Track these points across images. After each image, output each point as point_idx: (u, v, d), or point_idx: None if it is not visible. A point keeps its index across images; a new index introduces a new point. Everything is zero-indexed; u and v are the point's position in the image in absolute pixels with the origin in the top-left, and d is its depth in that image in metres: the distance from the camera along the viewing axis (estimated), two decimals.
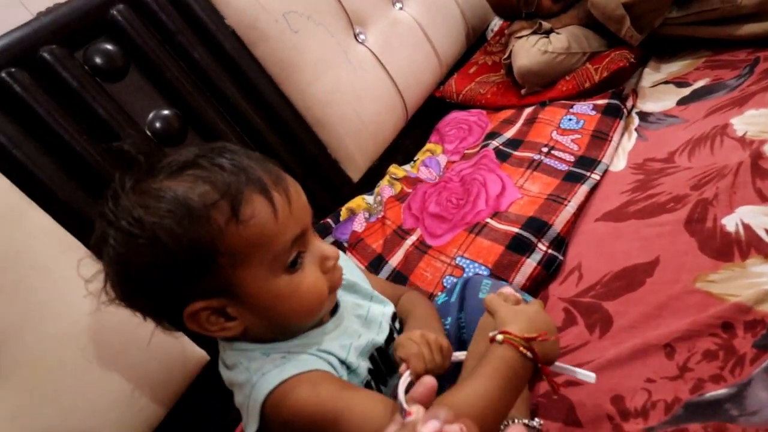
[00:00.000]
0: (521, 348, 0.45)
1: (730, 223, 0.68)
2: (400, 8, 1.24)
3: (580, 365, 0.56)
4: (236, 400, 0.50)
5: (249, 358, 0.48)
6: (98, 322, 0.71)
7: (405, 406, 0.39)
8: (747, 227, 0.66)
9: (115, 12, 0.82)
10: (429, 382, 0.40)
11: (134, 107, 0.84)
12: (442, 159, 1.11)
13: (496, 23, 1.51)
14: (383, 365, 0.55)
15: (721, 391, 0.53)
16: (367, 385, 0.52)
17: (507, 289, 0.53)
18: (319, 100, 1.03)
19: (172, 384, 0.78)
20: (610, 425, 0.56)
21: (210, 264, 0.43)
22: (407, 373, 0.47)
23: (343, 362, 0.50)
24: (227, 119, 0.94)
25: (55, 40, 0.76)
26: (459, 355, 0.53)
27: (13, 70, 0.72)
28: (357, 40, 1.12)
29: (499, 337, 0.46)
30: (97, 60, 0.81)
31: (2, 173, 0.68)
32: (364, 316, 0.57)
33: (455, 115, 1.24)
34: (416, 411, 0.36)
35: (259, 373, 0.46)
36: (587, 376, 0.51)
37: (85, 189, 0.76)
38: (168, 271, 0.43)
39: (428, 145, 1.19)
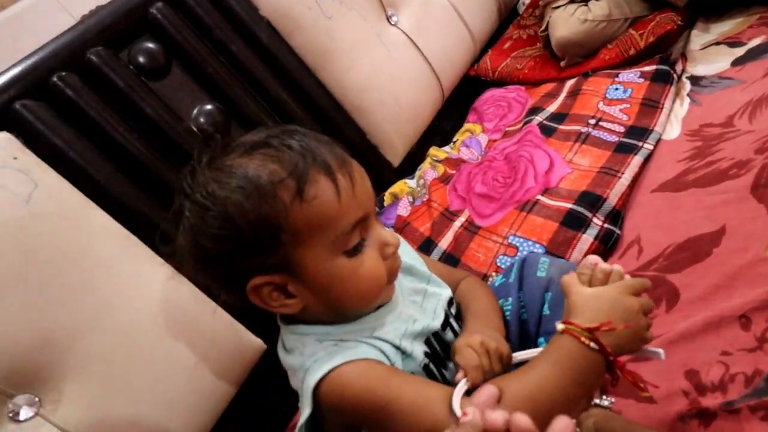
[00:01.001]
0: (583, 339, 0.43)
1: None
2: None
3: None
4: (292, 383, 0.51)
5: (304, 344, 0.49)
6: (162, 316, 0.73)
7: (458, 412, 0.38)
8: None
9: (154, 10, 0.83)
10: (491, 391, 0.39)
11: (179, 104, 0.85)
12: (483, 138, 1.09)
13: None
14: (441, 349, 0.54)
15: None
16: (426, 368, 0.51)
17: (592, 258, 0.49)
18: (356, 86, 1.03)
19: (233, 372, 0.80)
20: (686, 400, 0.55)
21: (274, 240, 0.44)
22: (464, 381, 0.45)
23: (397, 348, 0.50)
24: (268, 110, 0.94)
25: (101, 42, 0.77)
26: (521, 355, 0.51)
27: (63, 74, 0.73)
28: (389, 22, 1.10)
29: (560, 326, 0.44)
30: (141, 59, 0.82)
31: (61, 175, 0.70)
32: (420, 301, 0.56)
33: (492, 93, 1.22)
34: (472, 412, 0.35)
35: (312, 359, 0.46)
36: (655, 353, 0.48)
37: (138, 186, 0.78)
38: (235, 244, 0.44)
39: (467, 125, 1.17)
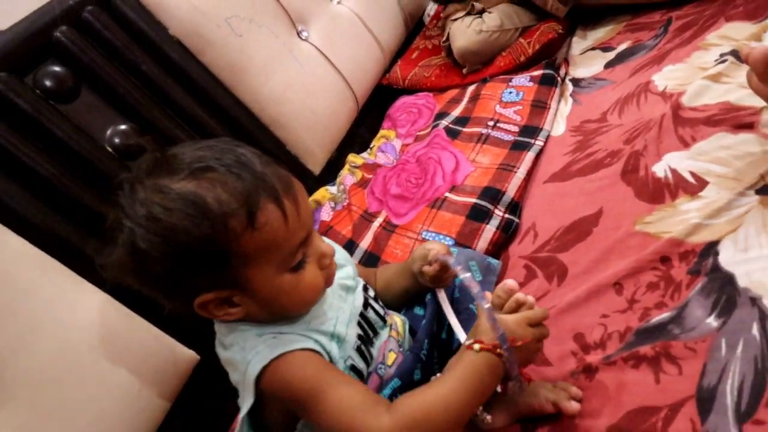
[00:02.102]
0: (495, 352, 0.49)
1: (659, 169, 0.76)
2: (338, 2, 1.27)
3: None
4: (232, 378, 0.54)
5: (244, 339, 0.52)
6: (89, 335, 0.73)
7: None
8: (674, 171, 0.74)
9: (58, 34, 0.83)
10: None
11: (91, 126, 0.85)
12: (397, 143, 1.16)
13: (432, 8, 1.56)
14: (368, 329, 0.60)
15: (664, 315, 0.60)
16: (358, 350, 0.57)
17: (510, 283, 0.56)
18: (272, 99, 1.06)
19: (167, 386, 0.81)
20: (574, 360, 0.63)
21: (223, 263, 0.47)
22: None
23: (332, 335, 0.55)
24: (184, 127, 0.96)
25: (3, 68, 0.76)
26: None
27: None
28: (300, 37, 1.15)
29: (471, 343, 0.50)
30: (47, 83, 0.81)
31: None
32: (344, 283, 0.61)
33: (404, 100, 1.29)
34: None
35: (253, 352, 0.50)
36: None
37: (55, 209, 0.77)
38: (182, 267, 0.47)
39: (382, 132, 1.24)
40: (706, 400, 0.51)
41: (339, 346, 0.55)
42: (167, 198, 0.46)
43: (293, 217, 0.49)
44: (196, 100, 0.98)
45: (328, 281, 0.55)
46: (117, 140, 0.87)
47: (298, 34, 1.15)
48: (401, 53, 1.43)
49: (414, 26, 1.53)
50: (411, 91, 1.32)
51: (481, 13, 1.22)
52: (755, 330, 0.53)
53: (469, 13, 1.22)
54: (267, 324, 0.53)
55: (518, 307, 0.55)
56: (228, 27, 1.00)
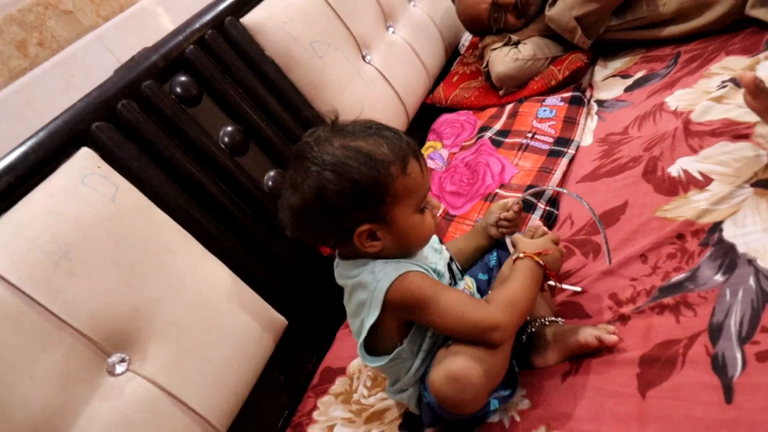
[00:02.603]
0: (534, 258, 0.72)
1: (674, 170, 0.94)
2: (393, 32, 1.48)
3: (581, 280, 0.86)
4: (358, 298, 0.70)
5: (373, 266, 0.69)
6: (215, 293, 0.91)
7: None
8: (686, 171, 0.92)
9: (188, 52, 1.02)
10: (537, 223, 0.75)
11: (209, 126, 1.04)
12: (444, 152, 1.35)
13: (467, 39, 1.78)
14: (452, 278, 0.79)
15: (681, 276, 0.78)
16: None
17: (536, 223, 0.77)
18: (343, 111, 1.24)
19: (266, 341, 0.97)
20: (610, 312, 0.80)
21: (381, 199, 0.65)
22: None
23: (434, 270, 0.73)
24: (274, 129, 1.15)
25: (150, 77, 0.96)
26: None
27: (125, 101, 0.91)
28: (365, 61, 1.35)
29: (520, 254, 0.73)
30: (179, 90, 1.01)
31: (130, 182, 0.87)
32: (435, 246, 0.80)
33: (446, 117, 1.49)
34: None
35: (382, 273, 0.67)
36: (575, 288, 0.81)
37: (184, 191, 0.95)
38: (355, 200, 0.64)
39: (429, 143, 1.43)
40: (715, 331, 0.68)
41: (438, 279, 0.73)
42: (349, 150, 0.65)
43: (425, 171, 0.69)
44: (284, 109, 1.17)
45: (436, 227, 0.74)
46: (226, 139, 1.06)
47: (363, 57, 1.35)
48: (442, 76, 1.63)
49: (452, 54, 1.74)
50: (452, 109, 1.51)
51: (516, 44, 1.42)
52: (751, 281, 0.71)
53: (506, 44, 1.42)
54: (390, 259, 0.71)
55: (541, 235, 0.80)
56: (312, 50, 1.20)
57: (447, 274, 0.76)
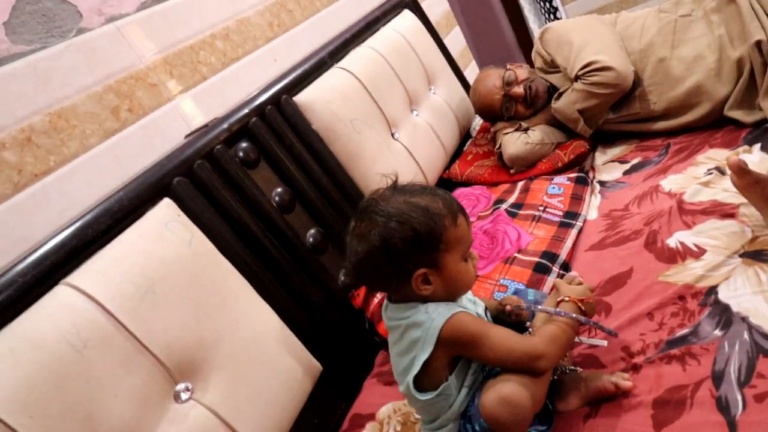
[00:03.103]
0: (577, 302, 0.82)
1: (672, 242, 1.08)
2: (417, 115, 1.68)
3: (596, 334, 0.96)
4: (412, 336, 0.79)
5: (426, 307, 0.78)
6: (265, 335, 1.00)
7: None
8: (682, 243, 1.06)
9: (251, 123, 1.18)
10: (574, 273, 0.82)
11: (264, 186, 1.17)
12: None
13: (478, 122, 1.98)
14: None
15: (685, 331, 0.89)
16: None
17: (573, 273, 0.90)
18: (374, 181, 1.40)
19: (304, 383, 1.05)
20: (623, 363, 0.91)
21: (436, 247, 0.77)
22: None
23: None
24: (317, 193, 1.29)
25: (220, 142, 1.11)
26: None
27: (200, 161, 1.05)
28: (394, 138, 1.53)
29: (566, 298, 0.83)
30: (242, 154, 1.15)
31: (201, 230, 0.99)
32: (470, 298, 0.91)
33: (462, 191, 1.65)
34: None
35: (436, 313, 0.77)
36: (602, 342, 0.90)
37: (245, 244, 1.07)
38: (415, 247, 0.76)
39: None
40: (718, 377, 0.79)
41: None
42: (409, 204, 0.77)
43: (469, 226, 0.82)
44: (326, 175, 1.31)
45: (476, 277, 0.85)
46: (277, 198, 1.20)
47: (393, 135, 1.52)
48: (456, 155, 1.81)
49: (464, 135, 1.93)
50: (467, 183, 1.68)
51: (525, 130, 1.61)
52: (746, 335, 0.82)
53: (517, 130, 1.61)
54: (438, 303, 0.82)
55: (579, 284, 0.90)
56: (351, 126, 1.37)
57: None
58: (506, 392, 0.73)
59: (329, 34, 1.65)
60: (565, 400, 0.88)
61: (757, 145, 1.22)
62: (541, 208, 1.36)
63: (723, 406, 0.75)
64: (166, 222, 0.92)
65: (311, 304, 1.16)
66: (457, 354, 0.80)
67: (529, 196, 1.43)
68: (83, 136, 0.99)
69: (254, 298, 1.01)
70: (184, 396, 0.86)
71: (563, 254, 1.18)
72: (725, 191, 1.13)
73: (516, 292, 1.03)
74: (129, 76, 1.09)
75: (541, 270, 1.14)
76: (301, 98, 1.32)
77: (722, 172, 1.17)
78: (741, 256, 0.96)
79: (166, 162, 1.01)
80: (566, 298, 0.85)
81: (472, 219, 1.48)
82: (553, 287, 0.91)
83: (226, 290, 0.96)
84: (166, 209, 0.94)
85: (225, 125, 1.13)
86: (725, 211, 1.08)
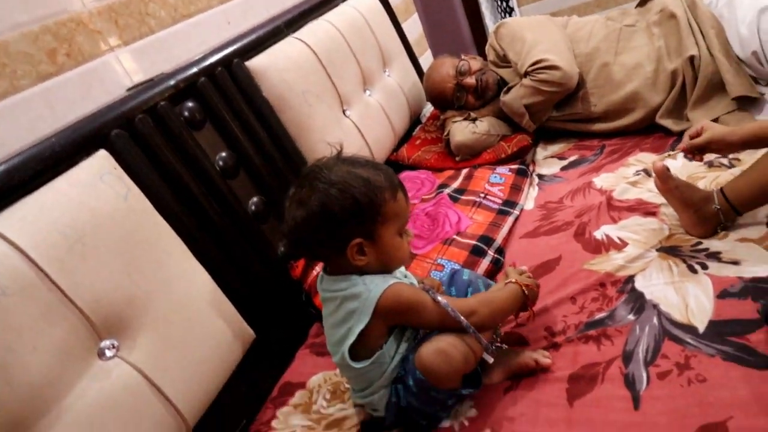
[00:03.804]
0: (522, 286, 0.88)
1: (598, 234, 1.15)
2: (369, 94, 1.68)
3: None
4: (348, 307, 0.80)
5: (362, 279, 0.80)
6: (198, 294, 0.98)
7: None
8: (607, 236, 1.14)
9: (199, 82, 1.15)
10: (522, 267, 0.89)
11: (209, 148, 1.15)
12: None
13: (428, 110, 2.01)
14: None
15: (602, 314, 0.96)
16: None
17: (523, 267, 0.97)
18: (321, 154, 1.40)
19: (235, 347, 1.04)
20: (545, 341, 0.96)
21: (373, 218, 0.78)
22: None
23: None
24: (263, 161, 1.27)
25: (165, 98, 1.07)
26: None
27: (141, 116, 1.01)
28: (345, 114, 1.53)
29: (513, 280, 0.88)
30: (187, 114, 1.12)
31: (140, 190, 0.95)
32: (403, 272, 0.93)
33: (407, 174, 1.67)
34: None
35: (373, 284, 0.79)
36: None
37: (182, 202, 1.04)
38: (353, 215, 0.77)
39: None
40: (627, 356, 0.86)
41: None
42: (352, 174, 0.78)
43: (408, 203, 0.83)
44: (273, 143, 1.30)
45: (410, 254, 0.88)
46: (221, 162, 1.17)
47: (344, 112, 1.52)
48: (405, 138, 1.84)
49: (414, 120, 1.96)
50: (413, 167, 1.70)
51: (474, 120, 1.66)
52: (655, 320, 0.90)
53: (465, 119, 1.65)
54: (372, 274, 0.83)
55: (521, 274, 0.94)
56: (303, 97, 1.36)
57: None
58: (442, 345, 0.78)
59: (288, 3, 1.62)
60: (489, 374, 0.93)
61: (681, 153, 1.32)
62: (482, 195, 1.40)
63: (630, 382, 0.81)
64: (101, 174, 0.88)
65: (249, 272, 1.15)
66: (395, 323, 0.82)
67: (472, 183, 1.48)
68: (14, 76, 0.92)
69: (189, 260, 0.99)
70: (108, 353, 0.83)
71: (499, 239, 1.23)
72: (649, 191, 1.21)
73: (453, 272, 1.06)
74: (69, 18, 1.02)
75: (477, 253, 1.18)
76: (254, 64, 1.29)
77: (648, 174, 1.26)
78: (658, 250, 1.04)
79: (105, 112, 0.96)
80: (513, 280, 0.89)
81: (415, 201, 1.51)
82: (502, 272, 0.95)
83: (160, 249, 0.93)
84: (101, 160, 0.90)
85: (172, 82, 1.09)
86: (648, 210, 1.17)
